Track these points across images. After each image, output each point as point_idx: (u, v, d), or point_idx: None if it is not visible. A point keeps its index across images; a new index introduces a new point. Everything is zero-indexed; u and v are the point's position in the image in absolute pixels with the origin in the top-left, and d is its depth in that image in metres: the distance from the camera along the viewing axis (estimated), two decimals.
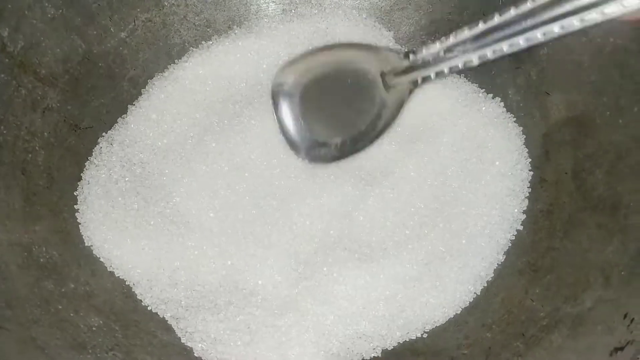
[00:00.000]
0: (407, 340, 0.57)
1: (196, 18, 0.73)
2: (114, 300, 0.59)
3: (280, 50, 0.71)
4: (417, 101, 0.66)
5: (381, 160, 0.65)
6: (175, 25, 0.73)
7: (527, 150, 0.64)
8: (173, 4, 0.72)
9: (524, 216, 0.61)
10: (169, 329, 0.58)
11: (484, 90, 0.68)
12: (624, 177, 0.56)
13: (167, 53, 0.72)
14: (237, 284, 0.59)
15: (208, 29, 0.74)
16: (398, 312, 0.57)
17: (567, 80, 0.62)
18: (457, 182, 0.63)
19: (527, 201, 0.62)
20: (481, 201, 0.62)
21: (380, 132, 0.63)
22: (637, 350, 0.46)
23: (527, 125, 0.65)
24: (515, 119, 0.66)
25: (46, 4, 0.64)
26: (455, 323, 0.58)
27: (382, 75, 0.61)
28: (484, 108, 0.66)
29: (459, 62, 0.55)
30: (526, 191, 0.62)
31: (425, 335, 0.57)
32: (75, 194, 0.64)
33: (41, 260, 0.58)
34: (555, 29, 0.48)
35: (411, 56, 0.59)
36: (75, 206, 0.63)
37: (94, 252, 0.61)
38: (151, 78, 0.71)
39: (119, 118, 0.68)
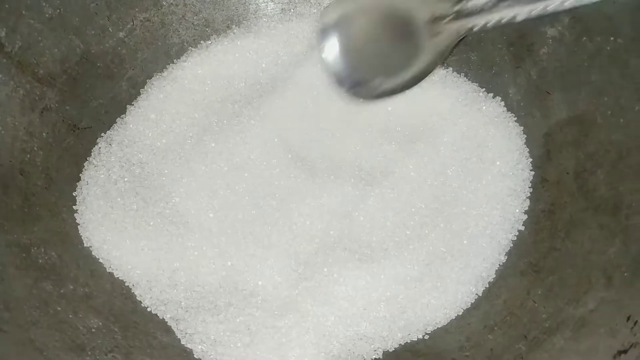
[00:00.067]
0: (408, 341, 0.57)
1: (195, 17, 0.73)
2: (113, 302, 0.59)
3: (280, 50, 0.71)
4: (417, 100, 0.67)
5: (381, 160, 0.64)
6: (173, 24, 0.72)
7: (528, 150, 0.64)
8: (171, 3, 0.72)
9: (525, 216, 0.61)
10: (168, 330, 0.58)
11: (484, 89, 0.68)
12: (625, 177, 0.56)
13: (165, 53, 0.72)
14: (237, 284, 0.59)
15: (207, 29, 0.73)
16: (399, 313, 0.57)
17: (568, 79, 0.62)
18: (458, 182, 0.63)
19: (528, 201, 0.62)
20: (482, 201, 0.62)
21: (420, 78, 0.64)
22: None
23: (528, 125, 0.65)
24: (516, 118, 0.65)
25: (44, 4, 0.64)
26: (457, 324, 0.57)
27: (430, 21, 0.61)
28: (484, 107, 0.66)
29: (507, 15, 0.55)
30: (527, 191, 0.62)
31: (426, 337, 0.57)
32: (74, 194, 0.63)
33: (40, 261, 0.58)
34: None
35: (461, 2, 0.59)
36: (74, 207, 0.63)
37: (93, 253, 0.61)
38: (150, 78, 0.70)
39: (118, 118, 0.68)
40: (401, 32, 0.63)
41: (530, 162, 0.63)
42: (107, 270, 0.60)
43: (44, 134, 0.64)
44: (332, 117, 0.66)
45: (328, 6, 0.65)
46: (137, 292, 0.59)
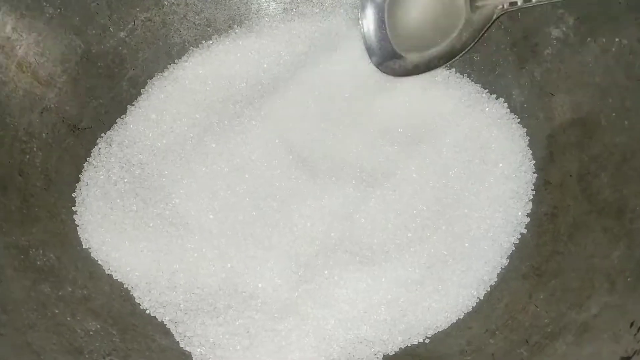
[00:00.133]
0: (409, 345, 0.56)
1: (196, 17, 0.73)
2: (111, 304, 0.58)
3: (281, 50, 0.71)
4: (419, 101, 0.67)
5: (383, 161, 0.64)
6: (175, 24, 0.72)
7: (531, 151, 0.63)
8: (173, 3, 0.72)
9: (528, 219, 0.61)
10: (167, 333, 0.57)
11: (487, 90, 0.67)
12: (629, 180, 0.55)
13: (166, 53, 0.72)
14: (237, 287, 0.59)
15: (208, 28, 0.73)
16: (400, 317, 0.57)
17: (572, 81, 0.62)
18: (460, 184, 0.62)
19: (531, 204, 0.61)
20: (484, 203, 0.61)
21: (457, 53, 0.65)
22: None
23: (531, 127, 0.64)
24: (519, 119, 0.65)
25: (44, 4, 0.64)
26: (458, 328, 0.57)
27: None
28: (487, 109, 0.66)
29: None
30: (530, 194, 0.62)
31: (427, 341, 0.57)
32: (73, 195, 0.63)
33: (38, 263, 0.58)
34: None
35: None
36: (73, 208, 0.62)
37: (91, 255, 0.61)
38: (151, 78, 0.70)
39: (118, 118, 0.68)
40: (443, 6, 0.64)
41: (533, 164, 0.63)
42: (106, 272, 0.60)
43: (44, 134, 0.64)
44: (333, 118, 0.66)
45: None
46: (136, 294, 0.59)
